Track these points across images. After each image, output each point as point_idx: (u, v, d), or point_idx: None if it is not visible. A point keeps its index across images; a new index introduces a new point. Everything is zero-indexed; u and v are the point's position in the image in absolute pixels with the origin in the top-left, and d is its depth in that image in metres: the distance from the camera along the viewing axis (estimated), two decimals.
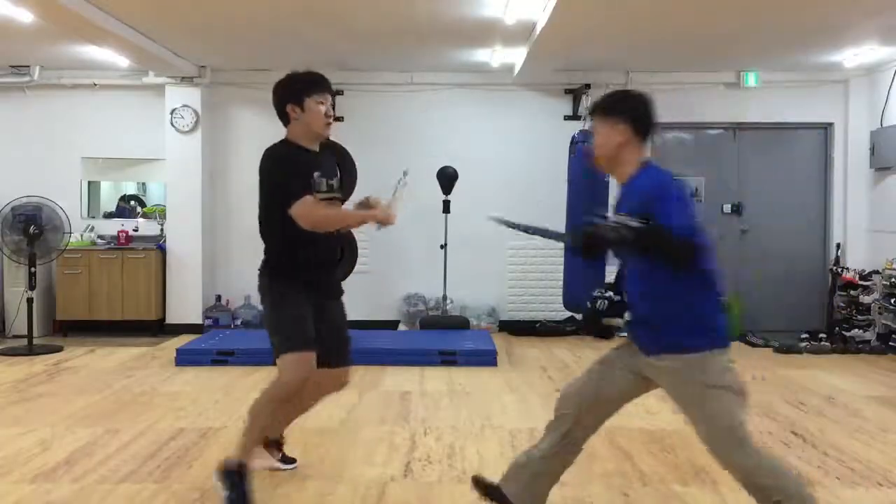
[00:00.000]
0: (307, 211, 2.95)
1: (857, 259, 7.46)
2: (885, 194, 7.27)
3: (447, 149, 7.56)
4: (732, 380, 2.42)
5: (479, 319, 7.53)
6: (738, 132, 7.87)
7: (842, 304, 7.21)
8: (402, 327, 7.56)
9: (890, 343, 6.74)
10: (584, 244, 2.44)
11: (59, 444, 3.89)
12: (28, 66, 7.43)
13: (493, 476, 3.43)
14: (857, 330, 6.95)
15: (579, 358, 6.35)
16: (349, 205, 3.40)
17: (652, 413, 4.55)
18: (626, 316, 2.61)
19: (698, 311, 2.43)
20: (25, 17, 5.32)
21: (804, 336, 6.83)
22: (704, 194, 7.84)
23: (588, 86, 7.35)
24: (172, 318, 7.51)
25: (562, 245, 7.13)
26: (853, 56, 6.79)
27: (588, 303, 2.68)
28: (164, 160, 7.59)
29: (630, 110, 2.55)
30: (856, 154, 7.55)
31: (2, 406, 4.69)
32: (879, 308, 6.95)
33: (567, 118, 7.63)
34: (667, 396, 4.86)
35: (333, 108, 3.37)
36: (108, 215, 7.92)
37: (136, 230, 7.73)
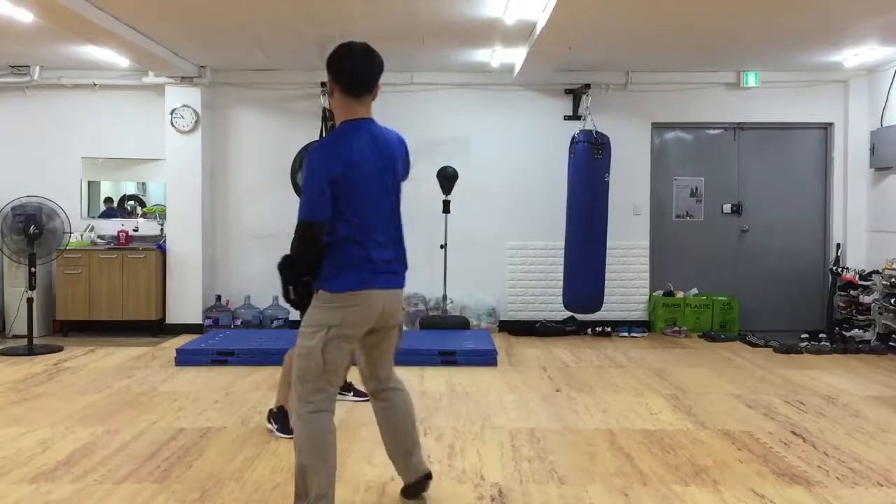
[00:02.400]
0: None
1: (857, 259, 7.47)
2: (885, 194, 7.27)
3: (447, 149, 7.56)
4: None
5: (479, 319, 7.53)
6: (738, 132, 7.87)
7: (842, 304, 7.22)
8: None
9: (890, 343, 6.73)
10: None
11: (59, 444, 3.89)
12: (28, 66, 7.43)
13: (494, 477, 3.44)
14: (857, 330, 6.95)
15: (579, 358, 6.35)
16: None
17: (653, 413, 4.55)
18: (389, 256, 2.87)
19: None
20: (25, 17, 5.32)
21: (804, 336, 6.83)
22: (704, 194, 7.84)
23: (588, 86, 7.35)
24: (172, 318, 7.50)
25: (562, 245, 7.17)
26: (853, 56, 6.79)
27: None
28: (164, 160, 7.59)
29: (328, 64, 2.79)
30: (856, 154, 7.55)
31: (2, 406, 4.68)
32: (879, 308, 6.95)
33: (567, 118, 7.63)
34: (669, 396, 4.87)
35: None
36: (102, 215, 7.91)
37: (136, 230, 7.73)
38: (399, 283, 2.92)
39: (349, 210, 2.72)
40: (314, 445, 2.78)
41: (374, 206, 2.79)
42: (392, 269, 2.86)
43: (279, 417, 4.02)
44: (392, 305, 2.87)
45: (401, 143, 3.04)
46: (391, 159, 2.90)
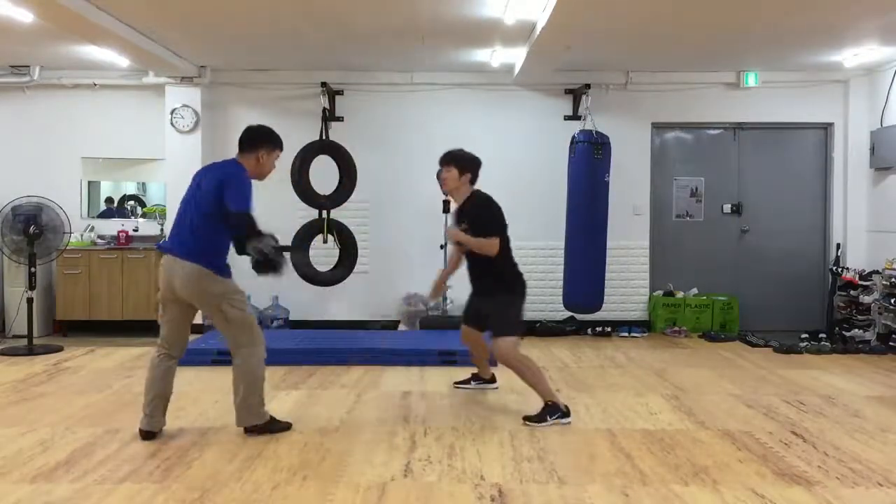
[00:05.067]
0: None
1: (857, 259, 7.46)
2: (885, 194, 7.27)
3: (447, 149, 7.53)
4: None
5: None
6: (738, 132, 7.87)
7: (842, 304, 7.21)
8: (402, 327, 7.55)
9: (890, 343, 6.74)
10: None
11: (59, 444, 3.89)
12: (28, 66, 7.43)
13: (493, 477, 3.44)
14: (857, 330, 6.95)
15: (579, 358, 6.35)
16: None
17: (653, 413, 4.55)
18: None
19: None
20: (25, 17, 5.32)
21: (804, 336, 6.83)
22: (704, 194, 7.85)
23: (588, 86, 7.35)
24: None
25: (562, 245, 7.16)
26: (853, 56, 6.79)
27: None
28: (164, 160, 7.59)
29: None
30: (856, 154, 7.55)
31: (2, 406, 4.68)
32: (879, 308, 6.95)
33: (567, 118, 7.63)
34: (669, 396, 4.89)
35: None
36: (101, 215, 7.90)
37: (136, 230, 7.73)
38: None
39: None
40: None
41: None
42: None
43: (548, 410, 4.30)
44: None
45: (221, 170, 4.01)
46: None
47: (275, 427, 4.06)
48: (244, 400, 3.99)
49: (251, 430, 4.01)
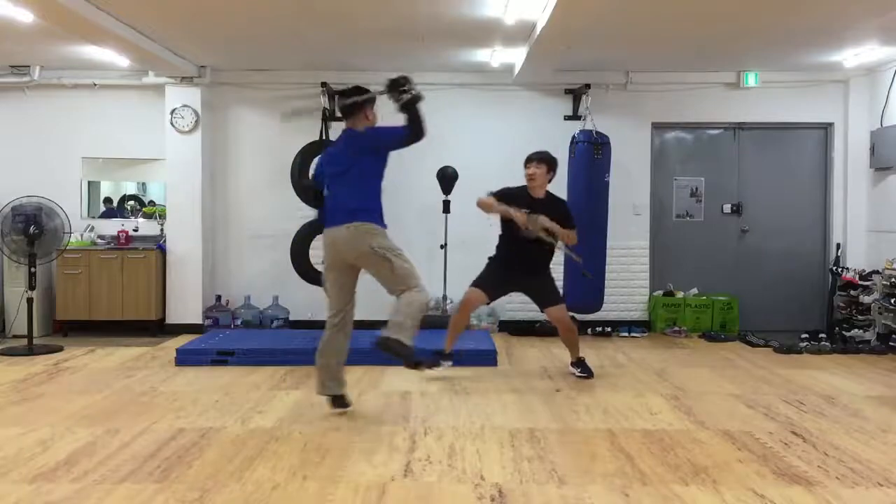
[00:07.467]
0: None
1: (857, 259, 7.47)
2: (885, 194, 7.27)
3: (447, 149, 7.55)
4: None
5: (479, 319, 7.52)
6: (738, 132, 7.87)
7: (842, 304, 7.21)
8: None
9: (890, 343, 6.73)
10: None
11: (59, 444, 3.89)
12: (28, 66, 7.43)
13: (494, 477, 3.44)
14: (857, 330, 6.95)
15: None
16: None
17: (653, 413, 4.55)
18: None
19: None
20: (25, 17, 5.32)
21: (804, 336, 6.83)
22: (704, 194, 7.84)
23: (588, 86, 7.34)
24: (172, 318, 7.50)
25: (561, 245, 7.15)
26: (853, 56, 6.79)
27: None
28: (164, 160, 7.59)
29: None
30: (856, 154, 7.55)
31: (2, 406, 4.68)
32: (879, 308, 6.95)
33: (567, 118, 7.62)
34: (669, 396, 4.89)
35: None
36: (102, 215, 7.90)
37: (136, 230, 7.73)
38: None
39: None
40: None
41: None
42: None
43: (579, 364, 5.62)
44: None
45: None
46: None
47: (409, 357, 4.22)
48: (403, 320, 4.18)
49: (386, 348, 4.12)
